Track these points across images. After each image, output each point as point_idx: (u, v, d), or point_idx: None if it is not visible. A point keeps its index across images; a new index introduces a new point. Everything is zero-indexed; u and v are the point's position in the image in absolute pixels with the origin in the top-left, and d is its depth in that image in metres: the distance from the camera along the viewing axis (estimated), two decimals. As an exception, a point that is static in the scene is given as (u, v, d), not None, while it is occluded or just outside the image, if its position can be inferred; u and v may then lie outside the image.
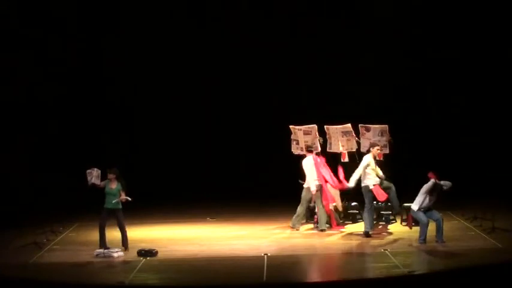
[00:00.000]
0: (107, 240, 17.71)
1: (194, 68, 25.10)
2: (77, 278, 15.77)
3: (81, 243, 18.73)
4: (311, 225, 20.28)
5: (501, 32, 24.13)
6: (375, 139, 19.96)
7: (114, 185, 17.69)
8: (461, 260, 16.24)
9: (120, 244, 17.83)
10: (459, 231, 18.88)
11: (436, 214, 17.74)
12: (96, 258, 17.23)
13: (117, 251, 17.37)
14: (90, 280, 15.66)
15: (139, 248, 17.47)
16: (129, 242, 17.90)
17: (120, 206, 17.75)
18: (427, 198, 17.65)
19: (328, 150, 20.67)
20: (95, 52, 24.80)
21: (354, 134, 20.28)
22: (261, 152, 24.48)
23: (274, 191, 21.21)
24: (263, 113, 24.89)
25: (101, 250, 17.37)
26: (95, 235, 19.01)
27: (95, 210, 19.14)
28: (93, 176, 17.63)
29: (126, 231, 17.91)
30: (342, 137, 20.36)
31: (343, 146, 20.40)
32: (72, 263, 16.91)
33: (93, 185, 17.66)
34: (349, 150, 20.47)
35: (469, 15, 24.15)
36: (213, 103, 25.31)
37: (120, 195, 17.63)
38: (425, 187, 17.70)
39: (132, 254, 17.36)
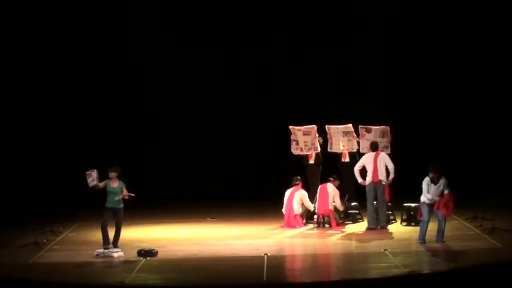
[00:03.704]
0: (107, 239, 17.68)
1: (194, 68, 25.13)
2: (77, 278, 15.75)
3: (81, 243, 18.72)
4: (311, 226, 20.34)
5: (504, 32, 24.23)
6: (376, 140, 19.97)
7: (116, 184, 17.59)
8: (461, 260, 16.23)
9: (125, 244, 17.79)
10: (459, 231, 18.88)
11: (440, 214, 17.74)
12: (96, 258, 17.21)
13: (117, 251, 17.35)
14: (90, 280, 15.65)
15: (139, 248, 17.46)
16: (127, 242, 17.87)
17: (122, 205, 17.68)
18: (432, 187, 17.63)
19: (328, 150, 20.69)
20: (97, 52, 24.83)
21: (354, 134, 20.30)
22: (261, 152, 24.48)
23: (275, 191, 21.18)
24: (263, 114, 24.91)
25: (101, 250, 17.35)
26: (94, 235, 19.02)
27: (94, 210, 19.12)
28: (94, 177, 17.55)
29: (120, 232, 17.74)
30: (343, 137, 20.37)
31: (343, 146, 20.42)
32: (72, 263, 16.89)
33: (94, 186, 17.59)
34: (350, 150, 20.48)
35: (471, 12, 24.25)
36: (213, 103, 25.32)
37: (123, 193, 17.57)
38: (425, 180, 17.76)
39: (132, 254, 17.34)
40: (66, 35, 24.54)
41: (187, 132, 25.15)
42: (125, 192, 17.54)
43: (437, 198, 17.54)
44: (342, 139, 20.42)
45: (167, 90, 25.24)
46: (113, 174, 17.59)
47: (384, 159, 19.42)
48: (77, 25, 24.57)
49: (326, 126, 20.52)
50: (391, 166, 19.42)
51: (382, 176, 19.37)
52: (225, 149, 25.01)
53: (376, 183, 19.36)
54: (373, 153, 19.47)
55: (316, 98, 24.65)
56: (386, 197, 19.72)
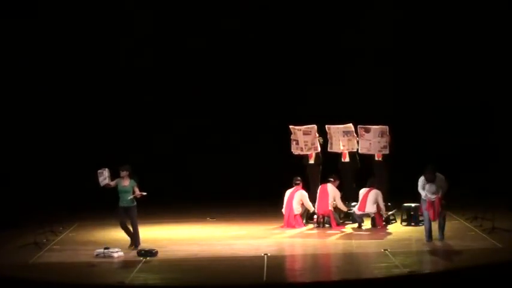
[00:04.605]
0: (108, 239, 17.71)
1: (193, 68, 25.11)
2: (77, 278, 15.75)
3: (81, 243, 18.73)
4: (311, 226, 20.33)
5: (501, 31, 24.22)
6: (374, 140, 19.99)
7: (127, 182, 17.68)
8: (461, 260, 16.24)
9: (116, 244, 17.80)
10: (459, 231, 18.89)
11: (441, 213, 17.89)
12: (96, 258, 17.22)
13: (117, 251, 17.36)
14: (90, 280, 15.65)
15: (140, 248, 17.47)
16: (127, 242, 17.93)
17: (135, 203, 17.76)
18: (427, 185, 17.77)
19: (328, 150, 20.69)
20: (98, 49, 24.83)
21: (355, 134, 20.31)
22: (261, 152, 24.47)
23: (275, 191, 21.19)
24: (263, 114, 24.90)
25: (101, 250, 17.35)
26: (95, 235, 19.04)
27: (94, 210, 19.18)
28: (105, 176, 17.59)
29: (138, 230, 17.89)
30: (343, 136, 20.38)
31: (344, 145, 20.42)
32: (72, 263, 16.91)
33: (105, 185, 17.64)
34: (350, 150, 20.49)
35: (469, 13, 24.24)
36: (213, 103, 25.30)
37: (135, 192, 17.63)
38: (420, 178, 17.95)
39: (132, 254, 17.36)
40: (69, 35, 24.54)
41: (188, 132, 25.12)
42: (137, 191, 17.63)
43: (432, 196, 17.68)
44: (342, 139, 20.42)
45: (167, 90, 25.21)
46: (124, 173, 17.72)
47: (377, 196, 19.67)
48: (79, 24, 24.58)
49: (326, 126, 20.52)
50: (382, 206, 19.75)
51: (369, 209, 19.70)
52: (225, 149, 24.99)
53: (363, 212, 19.85)
54: (367, 189, 19.80)
55: (316, 98, 24.62)
56: (380, 222, 19.80)
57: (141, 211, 20.30)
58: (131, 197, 17.65)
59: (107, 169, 17.65)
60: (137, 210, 17.95)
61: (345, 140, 20.43)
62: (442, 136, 24.39)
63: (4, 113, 24.05)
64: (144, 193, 17.74)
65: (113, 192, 17.84)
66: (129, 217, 17.81)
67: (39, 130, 24.29)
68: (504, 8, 23.87)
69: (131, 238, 17.84)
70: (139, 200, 17.88)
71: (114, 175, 17.81)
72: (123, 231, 17.89)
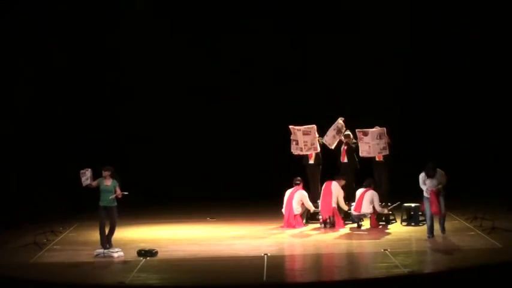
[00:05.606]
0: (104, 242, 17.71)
1: (193, 68, 25.11)
2: (77, 278, 15.76)
3: (81, 243, 18.73)
4: (311, 226, 20.32)
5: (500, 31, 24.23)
6: (373, 142, 19.99)
7: (109, 182, 17.70)
8: (462, 260, 16.23)
9: (116, 244, 17.80)
10: (459, 231, 18.89)
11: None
12: (96, 258, 17.23)
13: (117, 251, 17.37)
14: (90, 280, 15.66)
15: (139, 248, 17.47)
16: (127, 242, 17.92)
17: (116, 204, 17.75)
18: (427, 181, 17.98)
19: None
20: (92, 50, 24.81)
21: (341, 134, 20.31)
22: (261, 152, 24.47)
23: (275, 191, 21.19)
24: (263, 114, 24.89)
25: (101, 250, 17.37)
26: (95, 235, 19.01)
27: (94, 210, 19.10)
28: (88, 176, 17.64)
29: (114, 230, 17.79)
30: (333, 130, 20.40)
31: (327, 139, 20.43)
32: (72, 263, 16.91)
33: (87, 185, 17.68)
34: (332, 145, 20.46)
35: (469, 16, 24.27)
36: (213, 103, 25.30)
37: (116, 191, 17.64)
38: (421, 174, 18.13)
39: (132, 254, 17.35)
40: (67, 36, 24.54)
41: (188, 131, 25.12)
42: (118, 191, 17.63)
43: (433, 189, 17.91)
44: (329, 133, 20.46)
45: (167, 89, 25.21)
46: (106, 173, 17.74)
47: (372, 197, 19.66)
48: (77, 25, 24.59)
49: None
50: (379, 209, 19.72)
51: (365, 210, 19.71)
52: (225, 149, 24.98)
53: (359, 213, 19.84)
54: (363, 189, 19.80)
55: (317, 98, 24.62)
56: (374, 223, 19.81)
57: (141, 211, 20.42)
58: (112, 196, 17.65)
59: (89, 169, 17.71)
60: (137, 210, 17.94)
61: (330, 134, 20.45)
62: (442, 136, 24.40)
63: (4, 112, 24.03)
64: (126, 193, 17.70)
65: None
66: (109, 217, 17.77)
67: (40, 130, 24.28)
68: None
69: (102, 240, 17.63)
70: (139, 200, 17.87)
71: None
72: (99, 231, 17.70)
